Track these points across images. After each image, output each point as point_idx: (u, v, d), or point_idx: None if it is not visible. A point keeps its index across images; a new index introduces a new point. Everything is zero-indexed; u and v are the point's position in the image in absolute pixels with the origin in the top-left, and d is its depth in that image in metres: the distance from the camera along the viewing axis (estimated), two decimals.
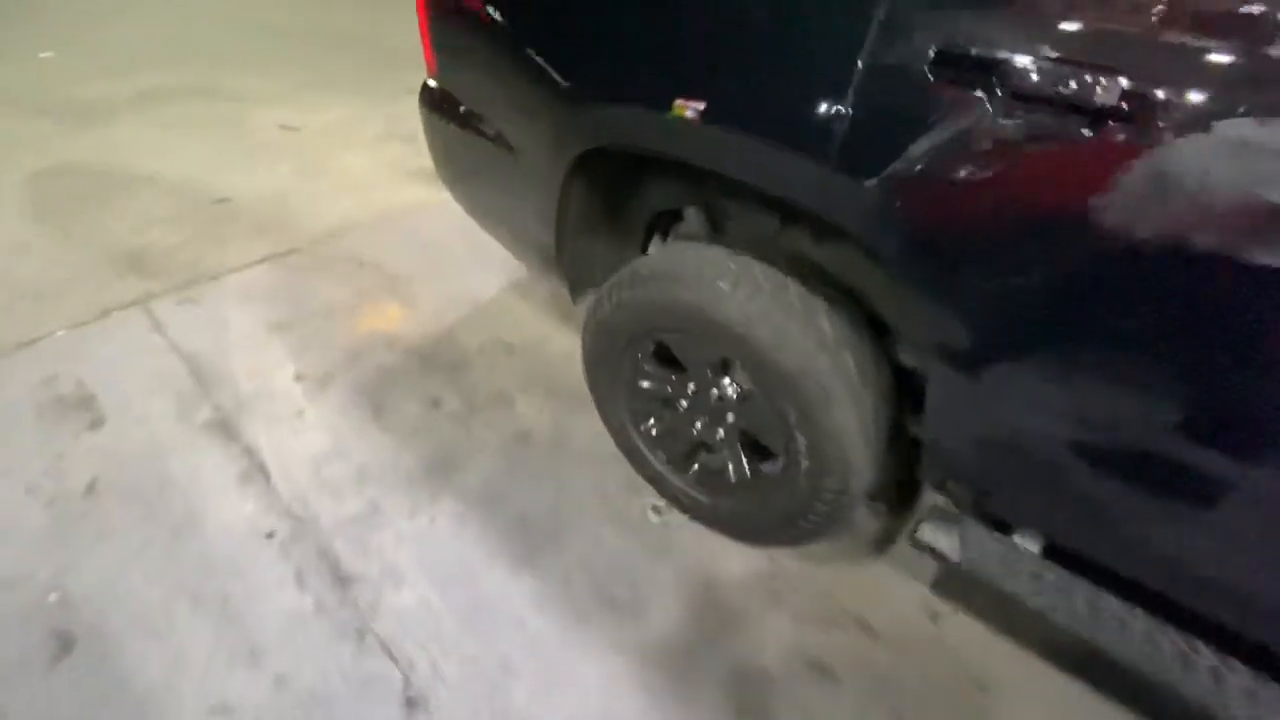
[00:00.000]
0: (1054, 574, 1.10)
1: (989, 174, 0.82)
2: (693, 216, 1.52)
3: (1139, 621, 1.03)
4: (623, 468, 1.74)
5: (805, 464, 1.22)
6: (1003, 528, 1.18)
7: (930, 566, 1.54)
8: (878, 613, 1.47)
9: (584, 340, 1.55)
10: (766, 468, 1.39)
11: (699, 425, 1.46)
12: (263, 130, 3.93)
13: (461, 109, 1.57)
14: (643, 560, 1.55)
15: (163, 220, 2.89)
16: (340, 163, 3.52)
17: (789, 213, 1.32)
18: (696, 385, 1.40)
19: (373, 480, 1.73)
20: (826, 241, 1.28)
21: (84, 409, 1.92)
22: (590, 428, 1.87)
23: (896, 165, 0.88)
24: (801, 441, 1.19)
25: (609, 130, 1.21)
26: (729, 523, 1.53)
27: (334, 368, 2.10)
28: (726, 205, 1.47)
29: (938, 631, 1.44)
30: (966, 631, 1.44)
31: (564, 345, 2.20)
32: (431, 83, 1.65)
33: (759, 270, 1.18)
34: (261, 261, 2.64)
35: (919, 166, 0.87)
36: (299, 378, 2.06)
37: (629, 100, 1.16)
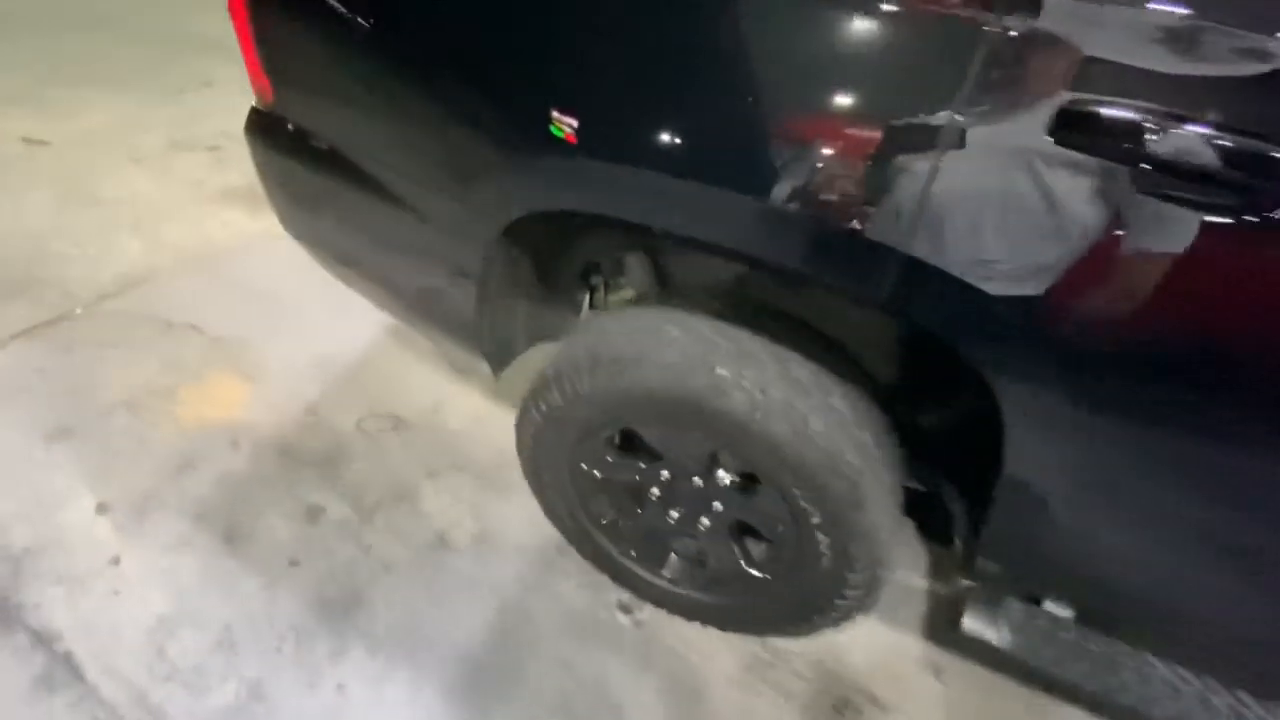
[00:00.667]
0: (1099, 645, 1.02)
1: (1143, 269, 0.66)
2: (636, 266, 1.25)
3: (1190, 685, 0.98)
4: (573, 560, 1.46)
5: (827, 561, 1.03)
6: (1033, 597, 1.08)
7: (916, 613, 1.45)
8: (882, 682, 1.35)
9: (521, 430, 1.24)
10: (767, 559, 1.19)
11: (675, 515, 1.22)
12: None
13: (319, 147, 1.15)
14: (623, 677, 1.29)
15: None
16: (116, 186, 2.75)
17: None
18: (673, 474, 1.16)
19: (244, 647, 1.29)
20: (803, 287, 1.09)
21: None
22: (521, 513, 1.55)
23: (1008, 258, 0.70)
24: (824, 541, 1.00)
25: (593, 194, 0.91)
26: (719, 616, 1.32)
27: (154, 486, 1.56)
28: (671, 249, 1.22)
29: (945, 689, 1.35)
30: (970, 679, 1.36)
31: (464, 407, 1.84)
32: (264, 109, 1.20)
33: (758, 346, 0.96)
34: (18, 337, 1.94)
35: (1036, 259, 0.70)
36: (103, 509, 1.50)
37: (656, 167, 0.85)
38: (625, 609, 1.41)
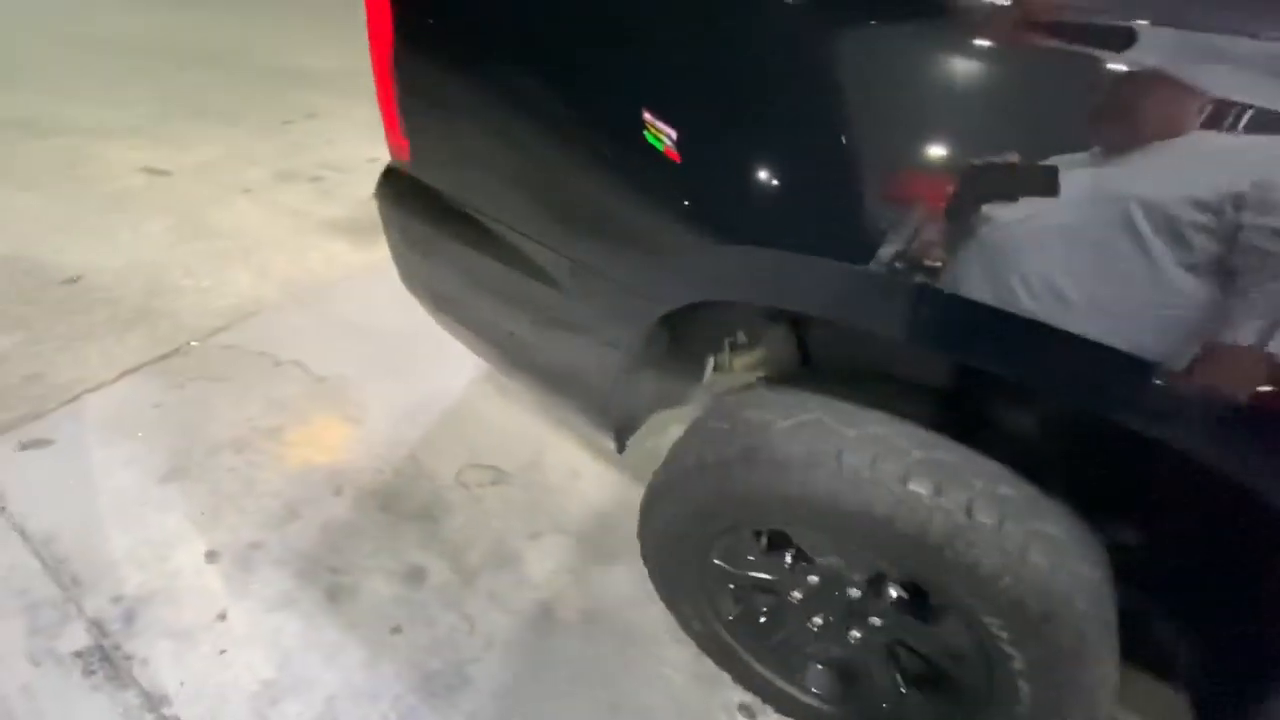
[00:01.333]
0: None
1: None
2: (779, 340, 1.14)
3: None
4: (688, 650, 1.34)
5: (1024, 711, 0.88)
6: None
7: None
8: None
9: (648, 515, 1.14)
10: (935, 690, 1.03)
11: (820, 621, 1.09)
12: (119, 176, 3.16)
13: (459, 213, 1.10)
14: None
15: None
16: (227, 217, 2.86)
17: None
18: (822, 580, 1.03)
19: None
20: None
21: None
22: (628, 587, 1.45)
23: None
24: (1024, 689, 0.85)
25: (782, 284, 0.82)
26: None
27: (260, 535, 1.54)
28: (822, 324, 1.10)
29: None
30: None
31: (563, 462, 1.76)
32: (400, 168, 1.17)
33: (957, 456, 0.82)
34: (135, 371, 2.00)
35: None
36: (212, 557, 1.49)
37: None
38: (747, 712, 1.27)
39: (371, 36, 1.06)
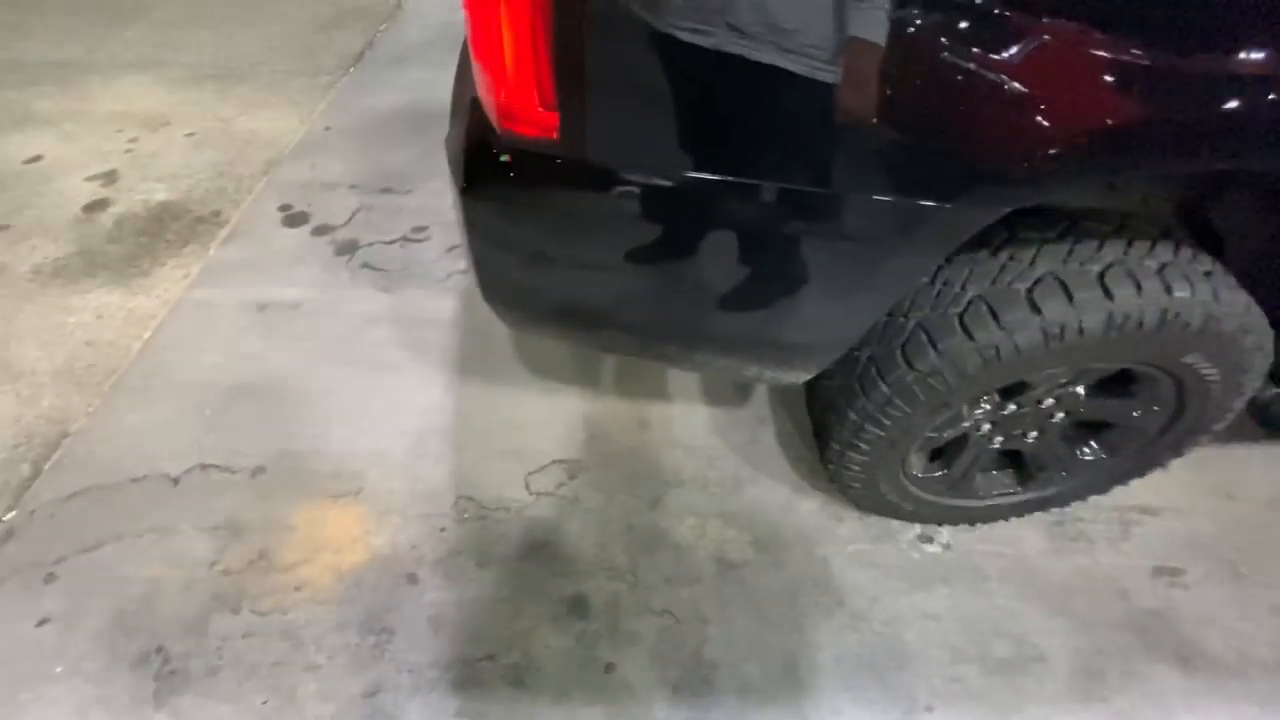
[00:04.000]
0: None
1: None
2: None
3: None
4: (852, 523, 1.42)
5: (1213, 407, 1.10)
6: None
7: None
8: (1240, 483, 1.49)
9: (836, 401, 1.12)
10: (1107, 441, 1.25)
11: (1002, 438, 1.22)
12: None
13: (644, 195, 0.83)
14: (971, 597, 1.33)
15: None
16: None
17: None
18: (1020, 404, 1.13)
19: None
20: None
21: None
22: (763, 501, 1.45)
23: None
24: (1216, 391, 1.06)
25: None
26: (1022, 508, 1.38)
27: (367, 675, 1.20)
28: None
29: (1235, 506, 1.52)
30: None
31: (620, 421, 1.60)
32: (519, 149, 0.81)
33: (1190, 259, 0.94)
34: None
35: None
36: None
37: None
38: (928, 540, 1.42)
39: None
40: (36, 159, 2.42)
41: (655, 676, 1.22)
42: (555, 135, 0.76)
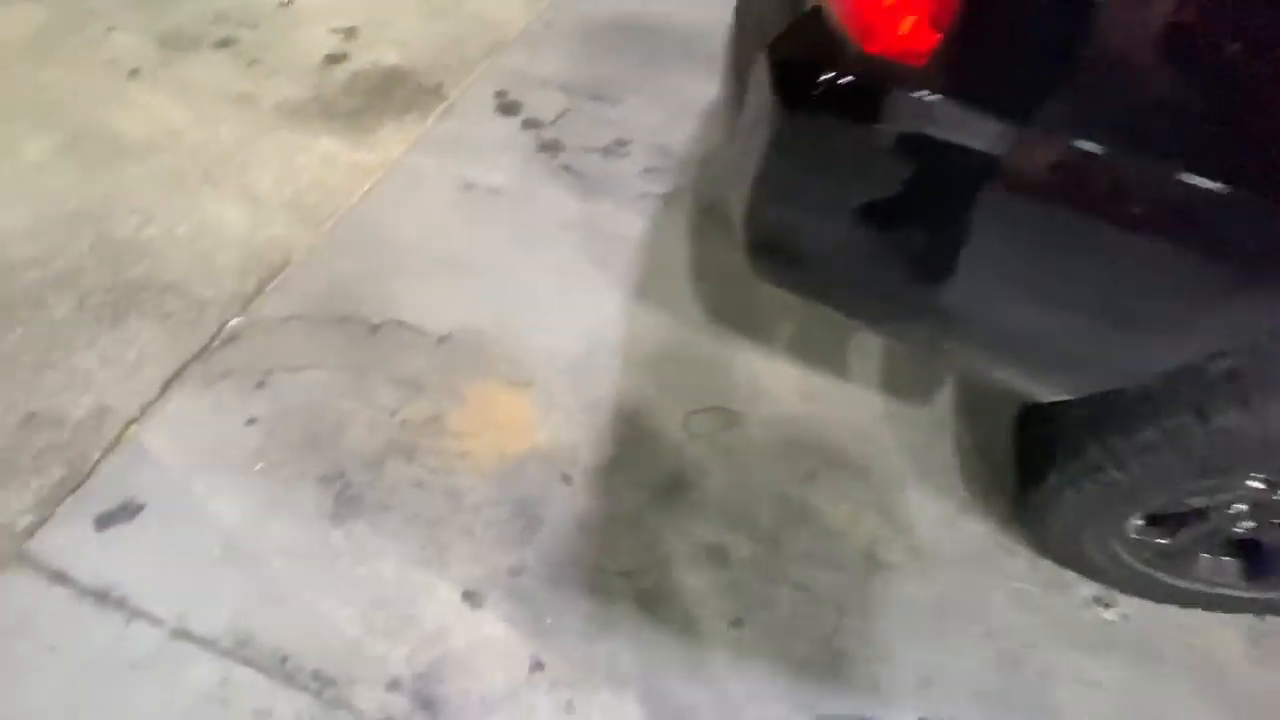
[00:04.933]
0: None
1: None
2: None
3: None
4: (1018, 558, 1.30)
5: None
6: None
7: None
8: None
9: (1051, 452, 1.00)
10: None
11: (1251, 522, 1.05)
12: None
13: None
14: (1139, 675, 1.20)
15: None
16: (136, 119, 2.03)
17: None
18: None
19: None
20: None
21: None
22: (929, 507, 1.36)
23: None
24: None
25: None
26: (1236, 606, 1.21)
27: (510, 553, 1.26)
28: None
29: None
30: None
31: (787, 385, 1.53)
32: (864, 70, 0.71)
33: None
34: (179, 379, 1.46)
35: None
36: (473, 598, 1.21)
37: None
38: (1102, 603, 1.29)
39: None
40: (288, 2, 2.60)
41: (781, 646, 1.20)
42: (927, 62, 0.67)
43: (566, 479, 1.37)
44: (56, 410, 1.40)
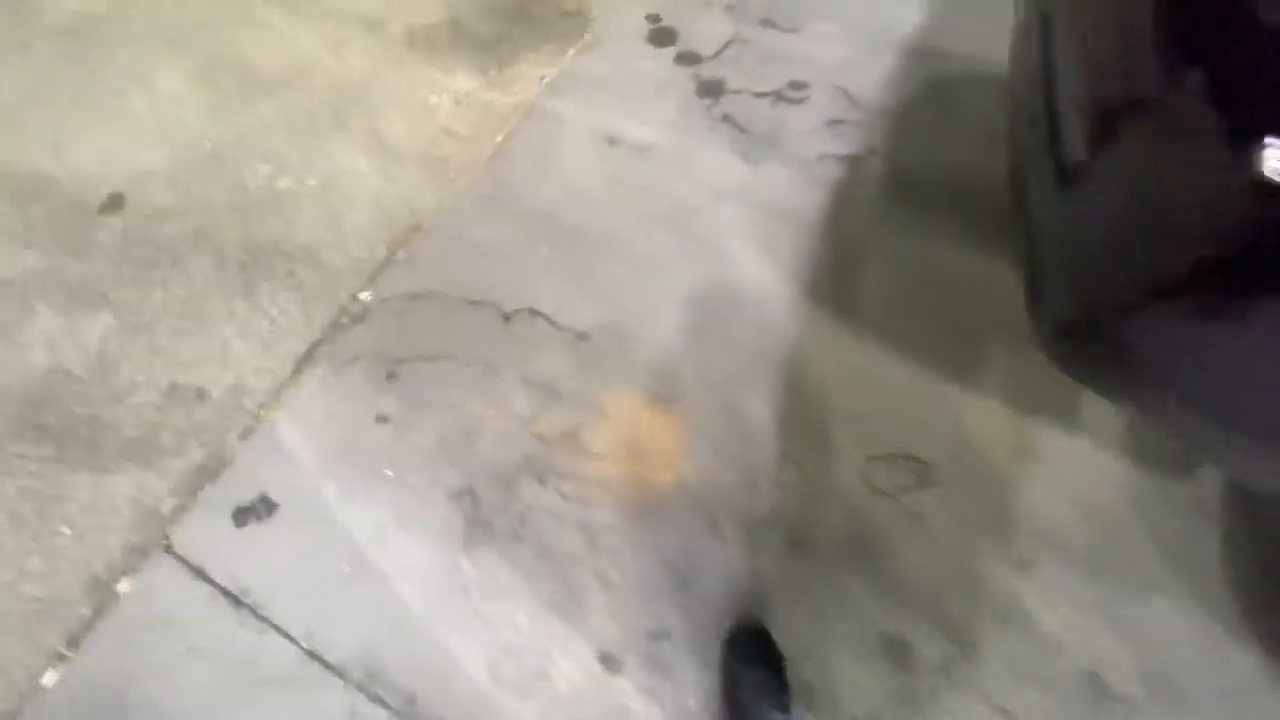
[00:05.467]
0: None
1: None
2: None
3: None
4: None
5: None
6: None
7: None
8: None
9: None
10: None
11: None
12: (46, 9, 2.03)
13: None
14: None
15: None
16: (272, 48, 1.88)
17: None
18: None
19: None
20: None
21: None
22: (1168, 622, 1.06)
23: None
24: None
25: None
26: None
27: (650, 612, 1.11)
28: None
29: None
30: None
31: (996, 436, 1.23)
32: None
33: None
34: (310, 359, 1.37)
35: None
36: (610, 663, 1.08)
37: None
38: None
39: None
40: None
41: None
42: None
43: (716, 528, 1.17)
44: (197, 384, 1.36)
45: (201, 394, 1.35)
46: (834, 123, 1.64)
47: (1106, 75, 0.68)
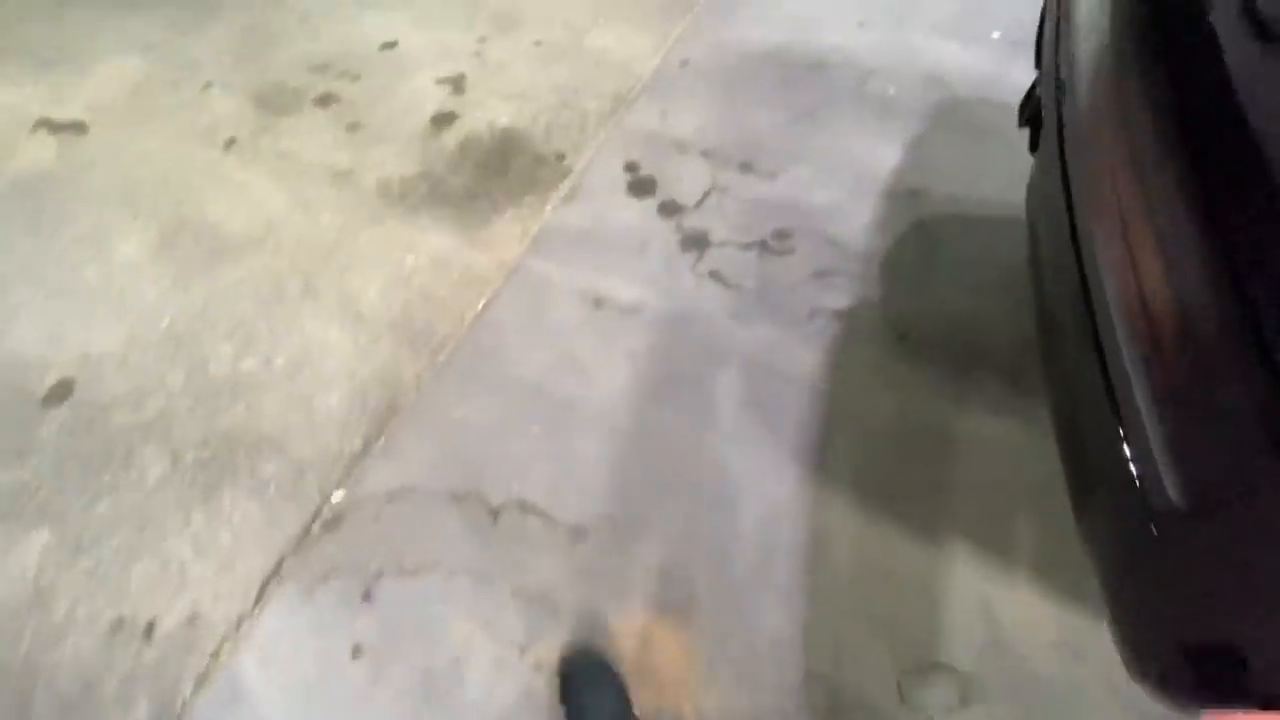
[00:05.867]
0: None
1: None
2: None
3: None
4: None
5: None
6: None
7: None
8: None
9: None
10: None
11: None
12: (10, 151, 1.95)
13: None
14: None
15: None
16: (233, 205, 1.80)
17: None
18: None
19: None
20: None
21: None
22: None
23: None
24: None
25: None
26: None
27: None
28: None
29: None
30: None
31: (1051, 635, 1.14)
32: None
33: None
34: (278, 578, 1.23)
35: None
36: None
37: None
38: None
39: None
40: (392, 45, 2.31)
41: None
42: None
43: None
44: (146, 616, 1.21)
45: (150, 629, 1.19)
46: (822, 274, 1.61)
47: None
